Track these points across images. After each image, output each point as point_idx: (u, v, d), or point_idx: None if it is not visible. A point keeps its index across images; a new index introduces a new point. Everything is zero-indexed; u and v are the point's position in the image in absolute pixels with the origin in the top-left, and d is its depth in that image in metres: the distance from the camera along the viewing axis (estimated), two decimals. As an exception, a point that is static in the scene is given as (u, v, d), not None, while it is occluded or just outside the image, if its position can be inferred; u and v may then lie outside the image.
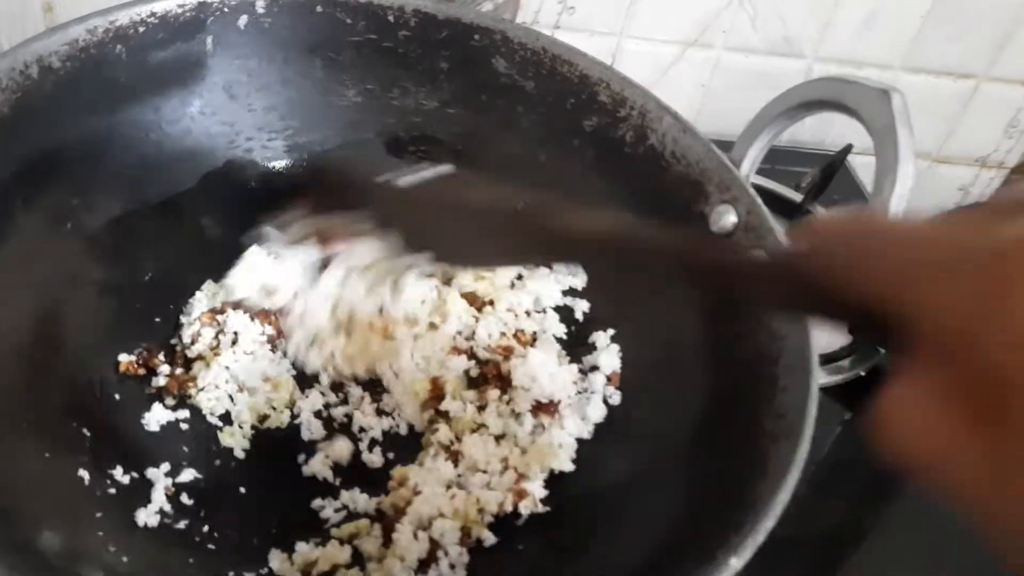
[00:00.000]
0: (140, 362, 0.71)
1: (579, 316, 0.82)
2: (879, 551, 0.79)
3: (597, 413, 0.74)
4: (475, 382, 0.76)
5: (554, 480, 0.70)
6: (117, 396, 0.69)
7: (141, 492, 0.64)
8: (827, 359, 0.93)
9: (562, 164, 0.82)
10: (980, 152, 1.25)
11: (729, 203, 0.71)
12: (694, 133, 0.75)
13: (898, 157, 0.62)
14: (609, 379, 0.76)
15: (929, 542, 0.80)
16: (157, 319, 0.75)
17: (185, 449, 0.69)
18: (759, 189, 0.71)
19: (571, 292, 0.83)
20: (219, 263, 0.76)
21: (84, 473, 0.63)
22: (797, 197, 1.09)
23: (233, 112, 0.81)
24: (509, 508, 0.66)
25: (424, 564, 0.63)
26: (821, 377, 0.89)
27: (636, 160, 0.78)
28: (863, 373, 0.93)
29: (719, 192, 0.72)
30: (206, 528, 0.64)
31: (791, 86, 0.79)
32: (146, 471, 0.65)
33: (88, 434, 0.65)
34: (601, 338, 0.78)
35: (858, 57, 1.14)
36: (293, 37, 0.81)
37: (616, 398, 0.75)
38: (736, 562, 0.51)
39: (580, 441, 0.72)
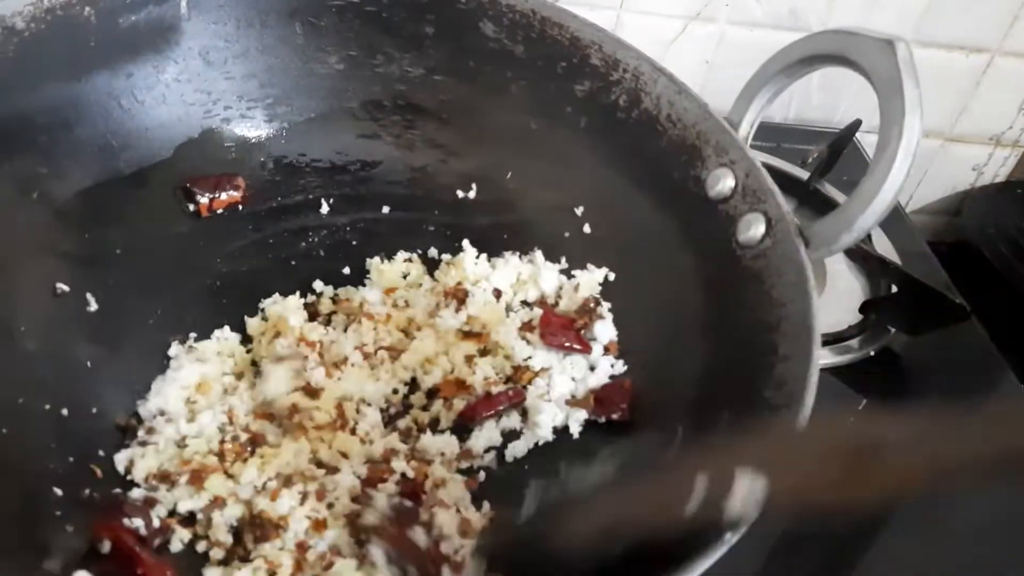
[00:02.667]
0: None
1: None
2: (891, 549, 0.76)
3: (597, 381, 0.71)
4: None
5: (542, 450, 0.68)
6: (88, 363, 0.67)
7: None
8: (835, 339, 0.89)
9: (553, 132, 0.78)
10: (994, 130, 1.21)
11: (727, 166, 0.68)
12: (690, 95, 0.71)
13: (904, 109, 0.58)
14: (607, 349, 0.73)
15: (941, 541, 0.77)
16: (125, 295, 0.71)
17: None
18: (764, 167, 0.67)
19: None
20: (197, 240, 0.74)
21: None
22: (804, 175, 1.06)
23: (210, 80, 0.78)
24: None
25: None
26: (829, 357, 0.87)
27: (630, 126, 0.74)
28: (873, 353, 0.89)
29: (716, 155, 0.69)
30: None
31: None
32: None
33: (48, 408, 0.62)
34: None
35: (861, 28, 1.09)
36: (272, 1, 0.78)
37: (619, 367, 0.72)
38: (730, 536, 0.47)
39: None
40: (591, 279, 0.76)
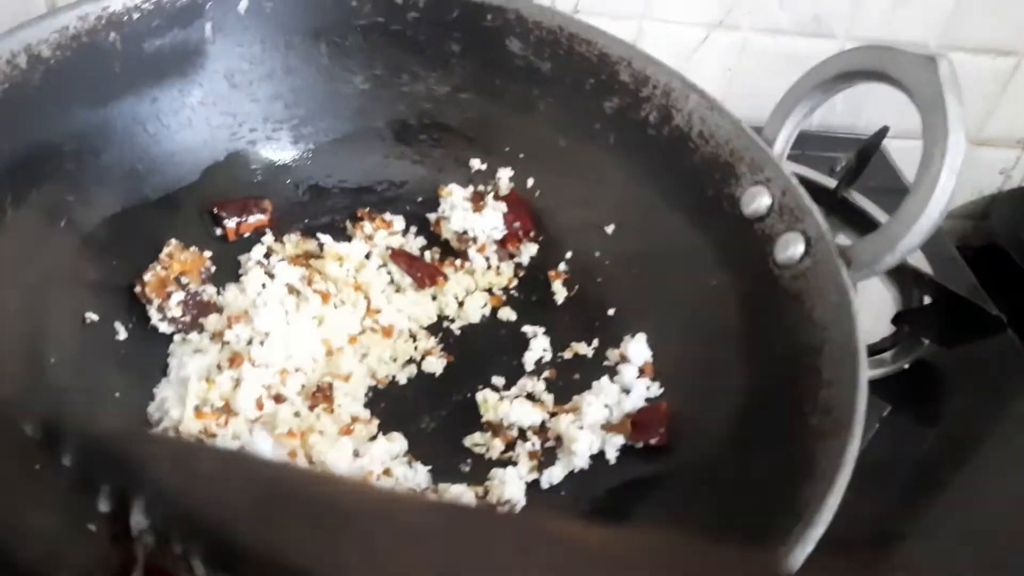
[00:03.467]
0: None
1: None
2: (919, 554, 0.74)
3: (632, 404, 0.69)
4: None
5: (576, 478, 0.66)
6: (117, 394, 0.66)
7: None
8: (868, 352, 0.87)
9: (582, 149, 0.77)
10: (1022, 133, 1.19)
11: (762, 184, 0.67)
12: (722, 111, 0.70)
13: (948, 128, 0.56)
14: (642, 371, 0.71)
15: (971, 544, 0.76)
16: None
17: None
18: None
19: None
20: (222, 264, 0.74)
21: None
22: (831, 183, 1.04)
23: (235, 102, 0.78)
24: None
25: None
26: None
27: (661, 143, 0.73)
28: (907, 367, 0.87)
29: (751, 173, 0.68)
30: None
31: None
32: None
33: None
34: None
35: (892, 35, 1.08)
36: (296, 22, 0.77)
37: (655, 389, 0.70)
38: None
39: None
40: None
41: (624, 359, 0.72)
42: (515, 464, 0.66)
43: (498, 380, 0.72)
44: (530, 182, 0.80)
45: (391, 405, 0.70)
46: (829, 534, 0.72)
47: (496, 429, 0.69)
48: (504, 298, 0.78)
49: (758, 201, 0.67)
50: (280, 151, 0.80)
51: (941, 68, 0.58)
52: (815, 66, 0.66)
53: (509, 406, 0.69)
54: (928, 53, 0.59)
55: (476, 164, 0.82)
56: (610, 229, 0.77)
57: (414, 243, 0.80)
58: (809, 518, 0.48)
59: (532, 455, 0.67)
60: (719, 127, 0.70)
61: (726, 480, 0.59)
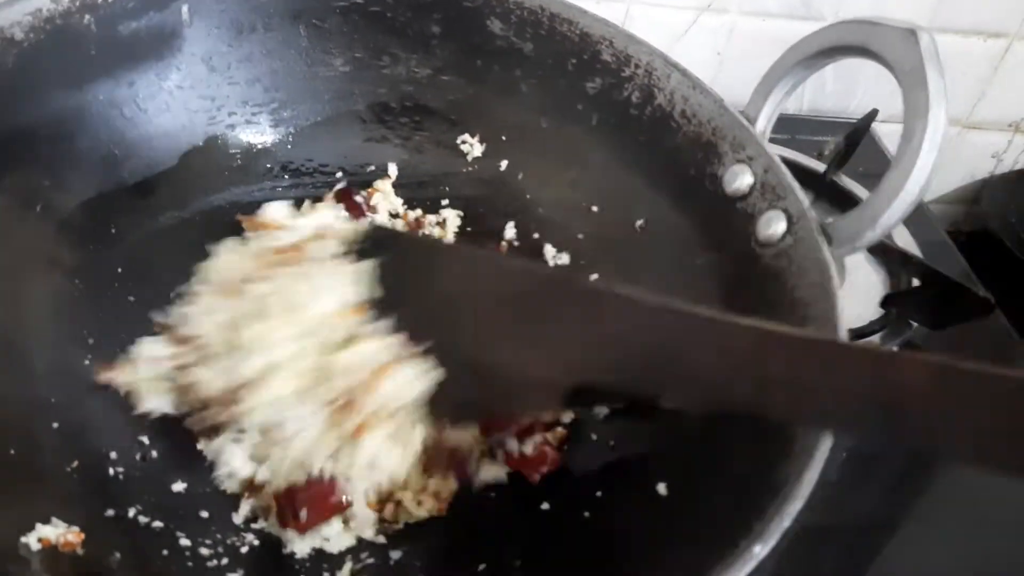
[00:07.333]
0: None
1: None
2: (913, 542, 0.75)
3: None
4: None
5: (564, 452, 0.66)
6: (93, 379, 0.65)
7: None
8: (856, 335, 0.87)
9: (565, 130, 0.77)
10: (1013, 116, 1.19)
11: (744, 162, 0.66)
12: (704, 90, 0.69)
13: (929, 101, 0.56)
14: None
15: (964, 532, 0.76)
16: (132, 309, 0.69)
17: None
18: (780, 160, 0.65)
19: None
20: (200, 248, 0.72)
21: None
22: (820, 167, 1.04)
23: (213, 85, 0.77)
24: None
25: None
26: (850, 354, 0.85)
27: (644, 122, 0.72)
28: (895, 349, 0.87)
29: (733, 151, 0.67)
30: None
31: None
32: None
33: (56, 427, 0.61)
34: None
35: (881, 17, 1.07)
36: (275, 3, 0.76)
37: None
38: (760, 549, 0.45)
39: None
40: None
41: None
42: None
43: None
44: (513, 164, 0.80)
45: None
46: (824, 522, 0.73)
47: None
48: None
49: (740, 179, 0.66)
50: (260, 135, 0.79)
51: (922, 41, 0.57)
52: (796, 43, 0.66)
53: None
54: (909, 26, 0.58)
55: (461, 146, 0.81)
56: (595, 209, 0.76)
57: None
58: (786, 494, 0.47)
59: None
60: (701, 106, 0.69)
61: (707, 460, 0.58)
